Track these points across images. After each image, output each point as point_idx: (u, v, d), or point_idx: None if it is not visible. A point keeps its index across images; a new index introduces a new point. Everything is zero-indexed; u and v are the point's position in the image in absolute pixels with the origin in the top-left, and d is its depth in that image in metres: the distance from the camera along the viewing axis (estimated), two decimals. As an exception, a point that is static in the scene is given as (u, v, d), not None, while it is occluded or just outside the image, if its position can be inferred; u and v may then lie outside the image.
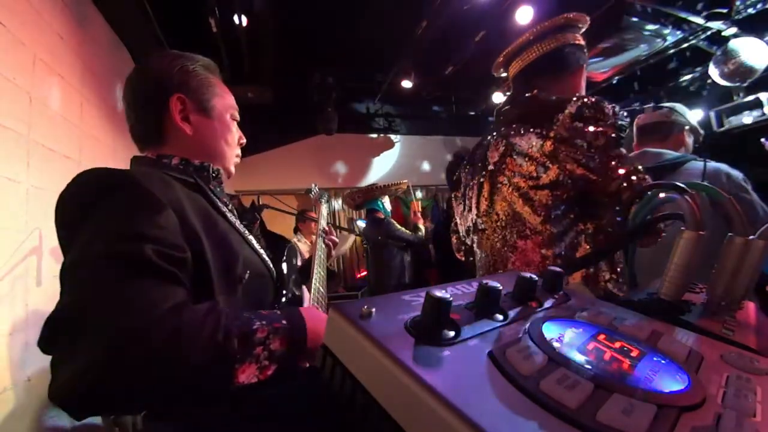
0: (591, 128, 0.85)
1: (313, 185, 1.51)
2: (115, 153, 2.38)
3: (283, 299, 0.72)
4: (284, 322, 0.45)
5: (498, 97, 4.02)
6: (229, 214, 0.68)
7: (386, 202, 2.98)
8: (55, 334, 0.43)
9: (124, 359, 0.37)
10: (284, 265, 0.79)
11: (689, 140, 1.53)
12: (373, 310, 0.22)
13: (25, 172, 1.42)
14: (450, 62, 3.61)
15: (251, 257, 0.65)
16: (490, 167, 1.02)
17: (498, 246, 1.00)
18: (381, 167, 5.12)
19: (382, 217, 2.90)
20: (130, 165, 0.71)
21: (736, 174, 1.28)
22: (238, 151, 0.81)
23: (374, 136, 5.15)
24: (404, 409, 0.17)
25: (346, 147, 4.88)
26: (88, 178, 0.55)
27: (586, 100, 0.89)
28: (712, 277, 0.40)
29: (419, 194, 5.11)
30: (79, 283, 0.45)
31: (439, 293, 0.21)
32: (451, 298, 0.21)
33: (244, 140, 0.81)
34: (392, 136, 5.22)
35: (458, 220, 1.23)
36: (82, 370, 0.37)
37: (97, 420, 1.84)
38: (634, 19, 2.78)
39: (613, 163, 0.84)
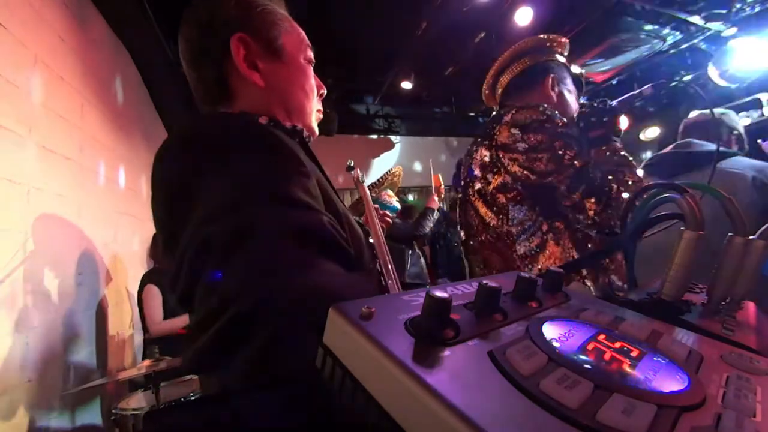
0: (530, 133, 0.93)
1: (350, 162, 1.32)
2: (115, 154, 2.39)
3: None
4: None
5: (498, 98, 4.02)
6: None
7: (386, 200, 2.89)
8: (252, 322, 0.32)
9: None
10: None
11: (735, 147, 1.51)
12: (373, 309, 0.22)
13: (25, 173, 1.42)
14: (450, 63, 3.62)
15: (362, 239, 0.55)
16: (462, 183, 1.14)
17: (474, 252, 1.09)
18: (381, 168, 5.12)
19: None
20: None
21: None
22: (320, 105, 0.66)
23: (374, 137, 5.16)
24: (404, 409, 0.17)
25: (346, 148, 4.88)
26: (222, 123, 0.46)
27: (518, 106, 0.99)
28: (712, 277, 0.40)
29: (411, 197, 5.11)
30: (272, 261, 0.35)
31: (439, 293, 0.21)
32: (450, 298, 0.21)
33: (324, 90, 0.67)
34: (392, 137, 5.23)
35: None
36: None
37: (97, 420, 1.84)
38: (634, 21, 2.79)
39: (561, 162, 0.89)
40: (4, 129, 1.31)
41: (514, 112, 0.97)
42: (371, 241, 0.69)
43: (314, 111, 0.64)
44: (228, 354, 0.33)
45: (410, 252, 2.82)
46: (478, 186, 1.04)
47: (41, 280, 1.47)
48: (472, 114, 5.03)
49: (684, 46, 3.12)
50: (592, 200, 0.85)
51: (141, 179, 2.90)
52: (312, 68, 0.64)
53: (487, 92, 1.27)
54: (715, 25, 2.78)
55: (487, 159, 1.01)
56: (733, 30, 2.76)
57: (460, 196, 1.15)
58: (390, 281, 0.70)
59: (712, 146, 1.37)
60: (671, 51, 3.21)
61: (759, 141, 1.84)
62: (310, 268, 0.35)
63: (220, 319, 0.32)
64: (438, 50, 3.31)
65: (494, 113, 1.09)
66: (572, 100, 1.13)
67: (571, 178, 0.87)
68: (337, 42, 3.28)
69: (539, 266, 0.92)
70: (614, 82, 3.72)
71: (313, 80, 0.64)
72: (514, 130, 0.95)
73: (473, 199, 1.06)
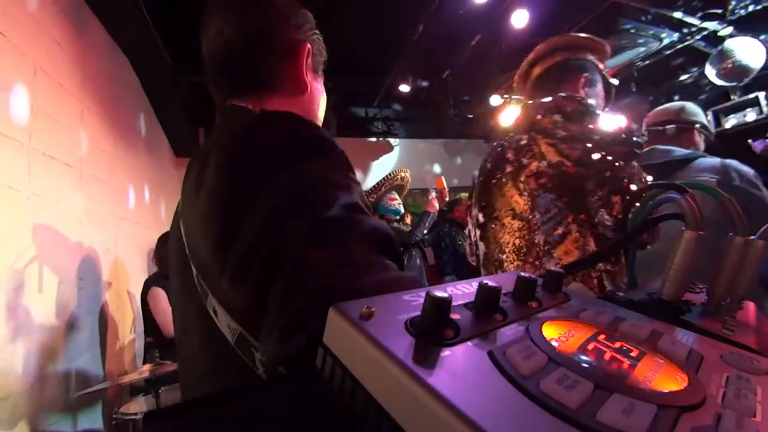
0: (571, 122, 0.93)
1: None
2: (115, 160, 2.39)
3: None
4: None
5: (495, 100, 4.04)
6: None
7: (388, 203, 2.89)
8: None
9: None
10: None
11: (699, 139, 1.52)
12: (373, 309, 0.22)
13: (26, 180, 1.42)
14: (447, 66, 3.63)
15: None
16: (489, 166, 1.11)
17: (494, 236, 1.07)
18: (380, 171, 5.14)
19: (390, 218, 2.86)
20: (224, 114, 0.58)
21: (747, 170, 1.27)
22: None
23: (373, 139, 5.18)
24: (404, 409, 0.17)
25: (346, 151, 4.87)
26: (296, 123, 0.47)
27: (566, 95, 0.97)
28: (712, 277, 0.40)
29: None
30: (354, 256, 0.36)
31: (438, 293, 0.21)
32: (450, 298, 0.21)
33: None
34: (391, 140, 5.25)
35: (470, 223, 1.29)
36: None
37: (98, 425, 1.83)
38: (630, 21, 2.80)
39: (594, 156, 0.89)
40: (4, 136, 1.31)
41: (559, 100, 0.96)
42: None
43: None
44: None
45: (406, 256, 2.81)
46: (509, 169, 1.02)
47: (42, 285, 1.47)
48: (470, 116, 5.04)
49: (680, 46, 3.13)
50: (618, 197, 0.86)
51: (141, 185, 2.91)
52: None
53: (518, 80, 1.26)
54: (711, 25, 2.79)
55: (523, 142, 0.99)
56: (729, 29, 2.78)
57: (481, 179, 1.13)
58: None
59: (677, 151, 1.39)
60: (667, 51, 3.22)
61: (750, 141, 1.84)
62: (386, 269, 0.36)
63: (311, 323, 0.31)
64: (435, 53, 3.33)
65: (532, 101, 1.06)
66: (599, 104, 1.13)
67: (602, 172, 0.87)
68: (335, 45, 3.29)
69: (558, 255, 0.92)
70: (612, 82, 3.73)
71: None
72: (557, 117, 0.94)
73: (502, 181, 1.03)
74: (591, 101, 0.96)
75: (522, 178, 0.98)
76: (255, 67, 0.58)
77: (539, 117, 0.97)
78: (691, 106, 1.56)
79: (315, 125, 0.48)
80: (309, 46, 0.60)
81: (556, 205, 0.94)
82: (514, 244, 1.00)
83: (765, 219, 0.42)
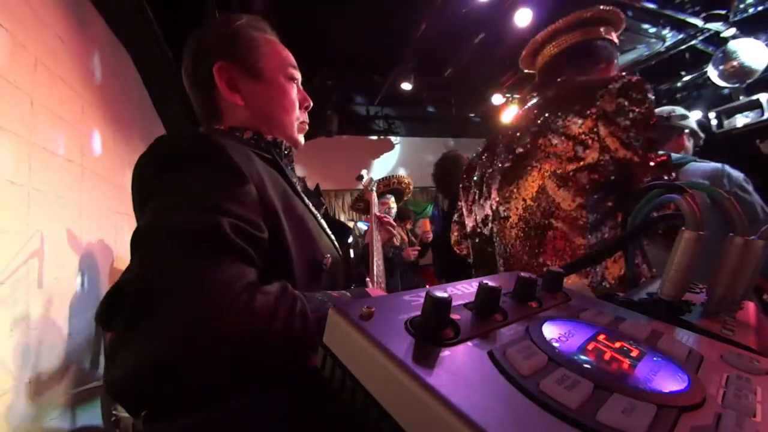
0: (635, 108, 0.79)
1: (364, 172, 1.37)
2: (116, 155, 2.39)
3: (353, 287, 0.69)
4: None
5: (497, 99, 4.02)
6: (303, 196, 0.64)
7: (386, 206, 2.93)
8: (117, 308, 0.39)
9: (192, 347, 0.35)
10: (351, 252, 0.74)
11: (689, 144, 1.54)
12: (373, 309, 0.22)
13: (26, 174, 1.42)
14: (449, 64, 3.62)
15: (328, 243, 0.62)
16: (519, 150, 0.94)
17: (523, 234, 0.92)
18: (381, 169, 5.13)
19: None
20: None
21: (737, 174, 1.28)
22: (304, 117, 0.72)
23: (374, 137, 5.17)
24: (404, 409, 0.17)
25: (347, 149, 4.89)
26: (174, 142, 0.53)
27: (631, 78, 0.83)
28: (712, 277, 0.40)
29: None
30: (150, 255, 0.42)
31: (439, 293, 0.21)
32: (450, 298, 0.21)
33: (309, 102, 0.72)
34: (392, 138, 5.24)
35: (465, 212, 1.17)
36: (147, 357, 0.35)
37: (97, 421, 1.84)
38: (633, 21, 2.79)
39: (653, 150, 0.79)
40: (4, 130, 1.31)
41: (625, 81, 0.82)
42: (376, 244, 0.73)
43: (296, 123, 0.70)
44: (108, 320, 0.40)
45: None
46: (552, 158, 0.87)
47: (42, 281, 1.47)
48: (471, 115, 5.03)
49: (683, 47, 3.12)
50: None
51: (141, 180, 2.90)
52: (295, 84, 0.70)
53: (526, 55, 1.10)
54: (714, 26, 2.78)
55: (579, 129, 0.83)
56: (733, 31, 2.76)
57: (507, 165, 0.97)
58: (376, 284, 0.76)
59: (670, 155, 1.38)
60: (670, 52, 3.21)
61: (757, 141, 1.84)
62: (190, 267, 0.40)
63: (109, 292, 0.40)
64: (437, 51, 3.31)
65: (589, 77, 0.91)
66: None
67: (655, 171, 0.78)
68: (337, 44, 3.28)
69: (605, 263, 0.81)
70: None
71: (294, 96, 0.70)
72: (622, 101, 0.80)
73: (541, 172, 0.87)
74: (647, 84, 0.83)
75: (570, 170, 0.83)
76: (197, 101, 0.68)
77: (600, 98, 0.81)
78: (680, 110, 1.57)
79: (198, 142, 0.52)
80: (222, 63, 0.63)
81: (605, 204, 0.82)
82: (552, 246, 0.86)
83: (755, 222, 0.42)
